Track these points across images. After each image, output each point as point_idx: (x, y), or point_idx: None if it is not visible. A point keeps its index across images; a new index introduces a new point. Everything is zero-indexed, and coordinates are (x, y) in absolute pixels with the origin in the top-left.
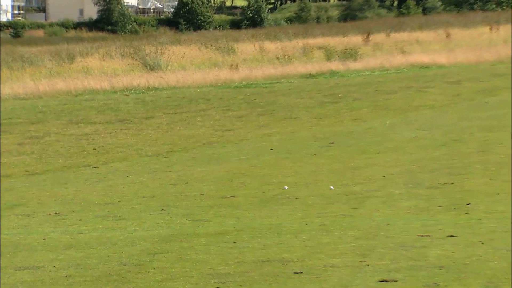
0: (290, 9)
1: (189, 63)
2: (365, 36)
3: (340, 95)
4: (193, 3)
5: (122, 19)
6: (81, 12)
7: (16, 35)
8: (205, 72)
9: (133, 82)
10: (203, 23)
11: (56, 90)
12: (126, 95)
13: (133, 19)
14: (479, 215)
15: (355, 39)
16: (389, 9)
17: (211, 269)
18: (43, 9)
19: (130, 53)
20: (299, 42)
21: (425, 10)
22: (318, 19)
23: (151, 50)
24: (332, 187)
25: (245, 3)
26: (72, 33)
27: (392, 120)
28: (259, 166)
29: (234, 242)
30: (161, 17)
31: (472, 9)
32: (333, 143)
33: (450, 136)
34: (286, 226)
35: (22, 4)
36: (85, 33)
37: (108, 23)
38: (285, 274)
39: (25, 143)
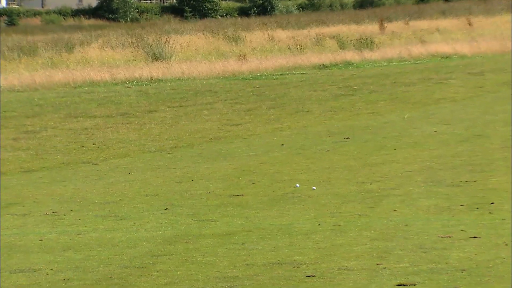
0: None
1: (194, 53)
2: (380, 24)
3: (355, 87)
4: None
5: (124, 6)
6: None
7: (11, 23)
8: (211, 63)
9: (135, 73)
10: (209, 11)
11: (53, 82)
12: (127, 87)
13: (135, 6)
14: (503, 215)
15: (371, 28)
16: None
17: (218, 272)
18: None
19: (132, 42)
20: (311, 31)
21: None
22: (331, 6)
23: (154, 39)
24: (314, 188)
25: None
26: (70, 21)
27: (411, 114)
28: (269, 162)
29: (243, 244)
30: (165, 4)
31: None
32: (348, 138)
33: (473, 131)
34: (297, 226)
35: None
36: (84, 21)
37: (108, 10)
38: (296, 277)
39: (21, 138)
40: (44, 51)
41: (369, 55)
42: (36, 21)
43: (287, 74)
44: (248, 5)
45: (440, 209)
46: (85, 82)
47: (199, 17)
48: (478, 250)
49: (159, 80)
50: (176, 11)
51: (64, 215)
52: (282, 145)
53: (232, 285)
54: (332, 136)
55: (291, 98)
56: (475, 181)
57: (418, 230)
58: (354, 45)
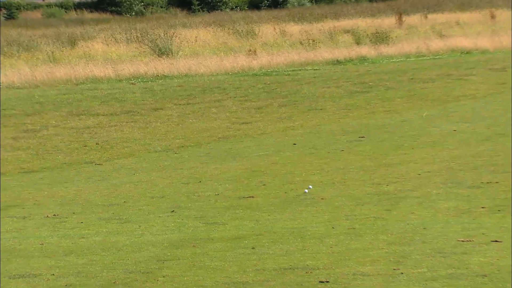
0: None
1: (202, 48)
2: (397, 18)
3: (371, 83)
4: None
5: None
6: None
7: (10, 17)
8: (220, 58)
9: (140, 69)
10: (218, 3)
11: (54, 78)
12: (132, 83)
13: None
14: None
15: (388, 21)
16: None
17: (227, 278)
18: None
19: (137, 37)
20: (325, 25)
21: None
22: None
23: (160, 33)
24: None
25: None
26: (72, 14)
27: (430, 112)
28: (281, 163)
29: (253, 248)
30: None
31: None
32: (363, 137)
33: (495, 129)
34: (310, 230)
35: None
36: (86, 15)
37: (112, 3)
38: (309, 283)
39: (21, 137)
40: (45, 46)
41: (385, 50)
42: (37, 14)
43: (300, 70)
44: None
45: (460, 211)
46: (88, 78)
47: (207, 10)
48: (500, 254)
49: (165, 77)
50: (183, 4)
51: (66, 218)
52: (294, 144)
53: None
54: (346, 135)
55: (303, 95)
56: (497, 182)
57: (437, 233)
58: (370, 40)
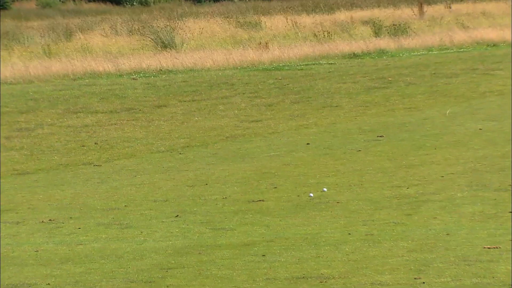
0: None
1: (209, 41)
2: (418, 8)
3: (390, 79)
4: None
5: None
6: None
7: (3, 7)
8: (228, 52)
9: (142, 63)
10: None
11: (50, 73)
12: (133, 79)
13: None
14: None
15: (408, 11)
16: None
17: (235, 287)
18: None
19: (138, 28)
20: (341, 15)
21: None
22: None
23: (163, 24)
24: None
25: None
26: (69, 4)
27: (453, 109)
28: (293, 164)
29: (263, 255)
30: None
31: None
32: (382, 136)
33: None
34: (325, 236)
35: None
36: (84, 5)
37: None
38: None
39: (14, 136)
40: (40, 38)
41: (406, 42)
42: (31, 4)
43: (313, 64)
44: None
45: (486, 216)
46: (86, 73)
47: (213, 0)
48: None
49: (169, 71)
50: None
51: (63, 223)
52: (307, 144)
53: None
54: (364, 134)
55: (317, 91)
56: None
57: (461, 240)
58: (388, 32)
